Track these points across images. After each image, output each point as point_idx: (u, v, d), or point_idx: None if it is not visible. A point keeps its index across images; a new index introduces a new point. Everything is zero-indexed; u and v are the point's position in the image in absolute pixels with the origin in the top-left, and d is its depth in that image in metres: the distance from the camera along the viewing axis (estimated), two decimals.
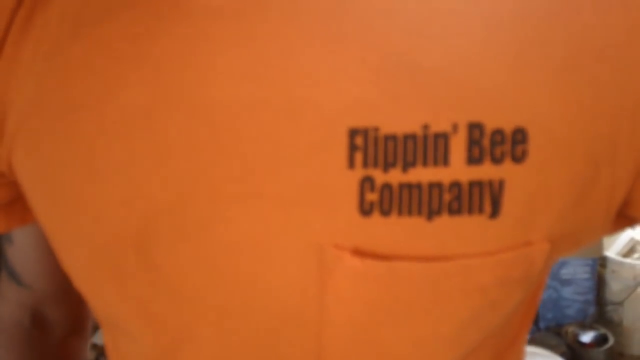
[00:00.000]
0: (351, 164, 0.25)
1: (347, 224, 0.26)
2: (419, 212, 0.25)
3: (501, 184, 0.24)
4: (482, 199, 0.25)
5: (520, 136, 0.24)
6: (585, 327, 1.80)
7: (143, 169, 0.28)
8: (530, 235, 0.27)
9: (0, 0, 0.30)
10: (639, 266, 1.81)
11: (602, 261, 1.86)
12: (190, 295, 0.29)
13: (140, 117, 0.28)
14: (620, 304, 1.85)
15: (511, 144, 0.24)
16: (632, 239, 1.92)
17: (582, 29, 0.25)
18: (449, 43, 0.24)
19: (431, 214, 0.25)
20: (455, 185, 0.24)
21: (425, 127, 0.24)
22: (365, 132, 0.24)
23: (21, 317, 0.49)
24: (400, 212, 0.25)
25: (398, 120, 0.25)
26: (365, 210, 0.25)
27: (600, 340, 1.76)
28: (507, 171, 0.25)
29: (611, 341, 1.77)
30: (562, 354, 1.66)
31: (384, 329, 0.26)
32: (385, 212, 0.25)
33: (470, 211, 0.25)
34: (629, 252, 1.90)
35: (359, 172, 0.25)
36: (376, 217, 0.25)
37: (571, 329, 1.79)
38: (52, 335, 0.51)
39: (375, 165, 0.24)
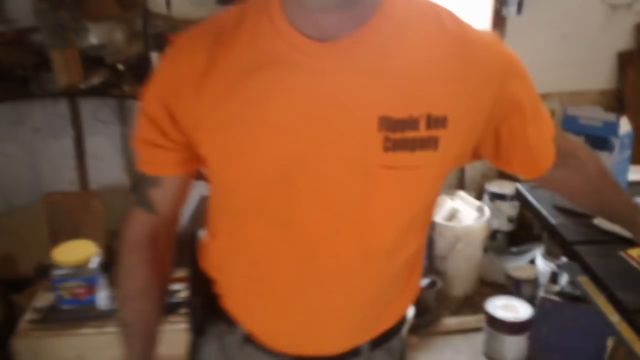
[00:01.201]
0: (379, 130, 0.69)
1: (378, 155, 0.70)
2: (407, 149, 0.70)
3: (438, 137, 0.70)
4: (432, 143, 0.70)
5: (443, 118, 0.70)
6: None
7: (281, 135, 0.71)
8: (448, 157, 0.73)
9: (192, 63, 0.71)
10: (457, 228, 2.41)
11: (432, 225, 2.42)
12: (311, 198, 0.73)
13: (281, 113, 0.70)
14: (444, 257, 2.44)
15: (441, 122, 0.70)
16: (452, 208, 2.53)
17: (463, 66, 0.71)
18: (417, 80, 0.70)
19: (413, 149, 0.70)
20: (421, 138, 0.70)
21: (409, 115, 0.69)
22: (386, 117, 0.68)
23: (146, 232, 0.86)
24: (400, 149, 0.70)
25: (397, 112, 0.69)
26: (386, 148, 0.70)
27: (432, 284, 2.34)
28: (440, 132, 0.71)
29: (439, 285, 2.36)
30: None
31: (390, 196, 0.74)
32: (393, 149, 0.69)
33: (427, 148, 0.71)
34: (450, 217, 2.49)
35: (382, 134, 0.69)
36: (389, 152, 0.70)
37: None
38: (159, 246, 0.86)
39: (388, 131, 0.69)
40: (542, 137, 0.82)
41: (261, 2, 0.73)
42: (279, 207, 0.74)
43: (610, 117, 1.40)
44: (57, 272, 1.79)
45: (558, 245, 1.41)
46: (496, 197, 2.62)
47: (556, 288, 2.13)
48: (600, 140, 1.38)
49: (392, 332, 0.88)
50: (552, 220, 1.38)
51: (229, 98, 0.71)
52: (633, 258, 1.20)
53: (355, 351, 0.85)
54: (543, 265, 2.29)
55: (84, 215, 2.22)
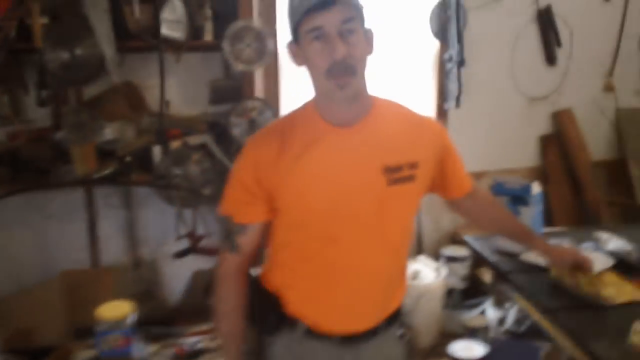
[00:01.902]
0: (383, 174, 1.21)
1: (378, 185, 1.21)
2: (399, 183, 1.22)
3: (414, 175, 1.24)
4: (412, 179, 1.24)
5: (416, 163, 1.25)
6: None
7: (326, 184, 1.20)
8: (421, 186, 1.28)
9: (269, 149, 1.21)
10: (420, 286, 2.83)
11: None
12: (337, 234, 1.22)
13: (324, 171, 1.20)
14: (410, 312, 2.84)
15: (415, 166, 1.24)
16: (415, 270, 2.96)
17: (420, 134, 1.29)
18: (399, 144, 1.24)
19: (402, 183, 1.23)
20: (406, 176, 1.23)
21: (398, 164, 1.23)
22: (386, 166, 1.21)
23: (234, 268, 1.26)
24: (395, 184, 1.22)
25: (391, 163, 1.22)
26: (388, 184, 1.21)
27: (401, 336, 2.72)
28: (415, 171, 1.25)
29: (407, 337, 2.74)
30: None
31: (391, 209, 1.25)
32: (392, 184, 1.22)
33: (410, 182, 1.24)
34: (413, 277, 2.91)
35: (385, 176, 1.22)
36: (390, 186, 1.22)
37: None
38: (242, 278, 1.26)
39: (387, 174, 1.21)
40: (462, 170, 1.43)
41: (304, 110, 1.24)
42: (330, 230, 1.20)
43: (525, 182, 1.94)
44: (100, 327, 2.11)
45: (497, 275, 1.92)
46: (451, 259, 3.08)
47: (503, 329, 2.57)
48: (519, 198, 1.92)
49: (396, 314, 1.34)
50: (491, 258, 1.88)
51: (294, 166, 1.18)
52: (549, 277, 1.70)
53: (378, 327, 1.29)
54: (492, 313, 2.73)
55: (96, 289, 2.53)
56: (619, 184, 3.37)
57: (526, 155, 3.33)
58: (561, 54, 3.24)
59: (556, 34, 3.21)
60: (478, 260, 3.09)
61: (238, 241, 1.24)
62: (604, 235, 2.00)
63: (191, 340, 2.25)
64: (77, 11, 2.35)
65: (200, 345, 2.24)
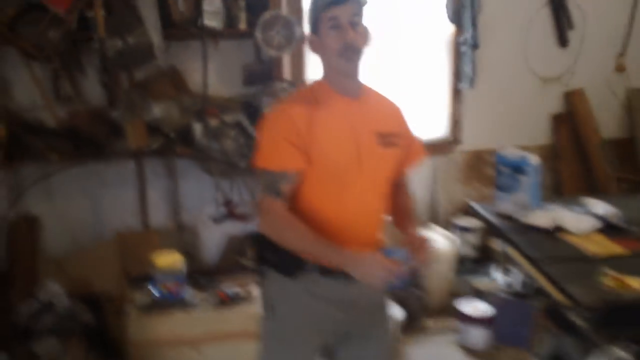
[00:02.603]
0: (377, 138, 1.61)
1: (375, 145, 1.61)
2: (387, 146, 1.62)
3: (396, 142, 1.65)
4: (395, 143, 1.65)
5: (398, 133, 1.66)
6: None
7: (339, 139, 1.57)
8: (400, 151, 1.68)
9: (301, 112, 1.55)
10: (432, 252, 3.13)
11: None
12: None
13: (337, 130, 1.58)
14: (424, 275, 3.14)
15: (397, 135, 1.65)
16: (429, 238, 3.25)
17: (396, 111, 1.72)
18: (385, 117, 1.67)
19: (389, 146, 1.63)
20: (391, 141, 1.63)
21: (386, 131, 1.63)
22: (379, 132, 1.61)
23: (285, 210, 1.52)
24: (385, 146, 1.62)
25: (382, 130, 1.62)
26: (380, 144, 1.61)
27: (417, 296, 3.03)
28: (397, 139, 1.66)
29: (422, 297, 3.05)
30: None
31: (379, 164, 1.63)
32: (383, 146, 1.61)
33: (394, 146, 1.64)
34: None
35: (378, 140, 1.61)
36: (381, 147, 1.62)
37: None
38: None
39: (380, 138, 1.61)
40: (418, 142, 1.78)
41: (318, 85, 1.60)
42: (345, 178, 1.55)
43: (524, 154, 2.21)
44: (157, 274, 2.51)
45: (496, 233, 2.23)
46: (463, 229, 3.37)
47: (508, 291, 2.86)
48: (519, 168, 2.20)
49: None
50: (493, 220, 2.18)
51: (320, 126, 1.53)
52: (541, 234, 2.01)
53: None
54: (499, 278, 3.02)
55: (145, 248, 2.91)
56: (628, 162, 3.60)
57: (538, 133, 3.58)
58: (573, 36, 3.47)
59: (568, 16, 3.44)
60: (489, 231, 3.38)
61: (282, 188, 1.51)
62: (593, 201, 2.27)
63: (232, 289, 2.61)
64: (129, 4, 2.70)
65: (240, 293, 2.61)
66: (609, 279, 1.75)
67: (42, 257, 3.02)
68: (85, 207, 3.09)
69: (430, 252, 1.58)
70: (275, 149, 1.53)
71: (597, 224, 2.14)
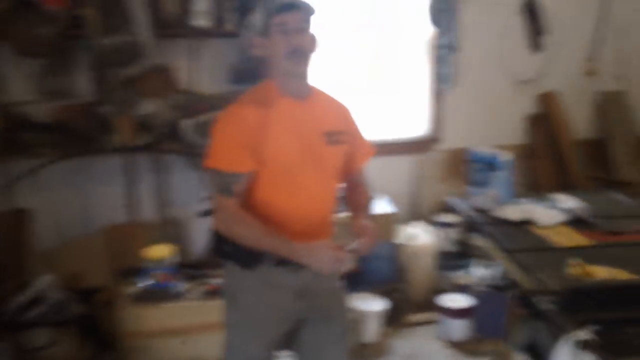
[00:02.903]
0: (325, 136, 1.74)
1: (322, 144, 1.73)
2: (334, 144, 1.75)
3: (342, 139, 1.77)
4: (340, 141, 1.77)
5: (343, 131, 1.78)
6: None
7: (289, 139, 1.69)
8: (344, 148, 1.80)
9: (251, 114, 1.66)
10: (415, 246, 3.26)
11: (396, 245, 3.26)
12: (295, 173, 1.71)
13: (286, 131, 1.69)
14: (406, 269, 3.28)
15: (343, 133, 1.78)
16: (411, 233, 3.39)
17: (343, 111, 1.84)
18: (332, 117, 1.79)
19: (335, 144, 1.76)
20: (337, 139, 1.76)
21: (333, 130, 1.75)
22: (325, 131, 1.73)
23: (237, 207, 1.63)
24: (331, 144, 1.75)
25: (330, 129, 1.75)
26: (327, 144, 1.73)
27: (400, 290, 3.16)
28: (342, 137, 1.79)
29: (404, 290, 3.18)
30: None
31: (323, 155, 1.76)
32: (330, 144, 1.74)
33: (339, 143, 1.77)
34: (409, 240, 3.35)
35: (326, 138, 1.74)
36: (328, 145, 1.74)
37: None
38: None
39: (327, 137, 1.74)
40: (364, 140, 1.89)
41: (264, 88, 1.69)
42: (294, 173, 1.67)
43: (496, 152, 2.37)
44: (148, 265, 2.62)
45: (472, 225, 2.37)
46: (443, 225, 3.51)
47: (486, 284, 3.00)
48: (490, 163, 2.34)
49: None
50: (469, 214, 2.32)
51: (268, 128, 1.63)
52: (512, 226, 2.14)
53: None
54: (477, 272, 3.16)
55: (133, 241, 3.00)
56: (599, 161, 3.78)
57: (514, 133, 3.74)
58: (546, 40, 3.64)
59: (541, 23, 3.60)
60: (467, 226, 3.53)
61: (233, 188, 1.62)
62: (560, 197, 2.43)
63: (219, 280, 2.71)
64: (119, 3, 2.79)
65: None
66: (574, 267, 1.90)
67: (31, 250, 3.10)
68: (74, 201, 3.17)
69: (374, 237, 1.71)
70: (227, 150, 1.63)
71: (564, 217, 2.30)
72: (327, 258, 1.55)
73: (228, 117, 1.68)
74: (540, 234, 2.22)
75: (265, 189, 1.68)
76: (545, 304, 1.79)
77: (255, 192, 1.68)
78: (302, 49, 1.63)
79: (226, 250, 1.73)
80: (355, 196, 1.88)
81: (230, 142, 1.62)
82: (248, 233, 1.63)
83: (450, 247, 3.53)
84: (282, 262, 1.66)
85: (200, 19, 2.88)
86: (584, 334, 1.57)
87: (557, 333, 1.68)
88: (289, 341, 1.82)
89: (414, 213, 3.63)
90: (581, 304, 1.69)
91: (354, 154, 1.84)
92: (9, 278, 2.96)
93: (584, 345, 1.56)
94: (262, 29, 1.65)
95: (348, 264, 1.59)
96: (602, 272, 1.86)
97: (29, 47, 2.79)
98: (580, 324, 1.62)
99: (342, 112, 1.82)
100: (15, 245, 3.07)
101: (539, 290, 1.80)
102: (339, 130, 1.75)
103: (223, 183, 1.63)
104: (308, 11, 1.65)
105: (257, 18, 1.68)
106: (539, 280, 1.90)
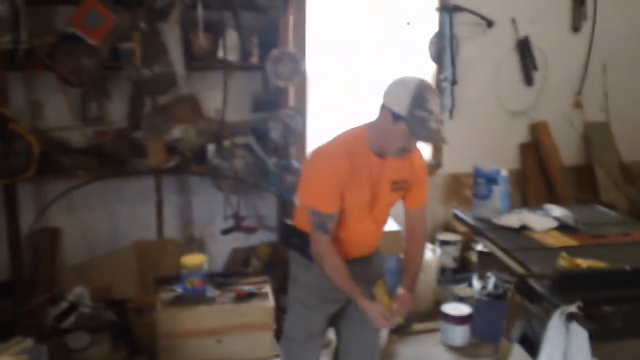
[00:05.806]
0: (390, 184, 2.20)
1: (387, 191, 2.21)
2: (396, 190, 2.22)
3: (404, 186, 2.24)
4: (402, 189, 2.24)
5: (406, 180, 2.23)
6: None
7: (370, 187, 2.17)
8: (404, 193, 2.28)
9: (345, 163, 2.09)
10: None
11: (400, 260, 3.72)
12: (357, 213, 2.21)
13: (368, 180, 2.16)
14: None
15: (406, 182, 2.23)
16: None
17: (408, 164, 2.24)
18: (399, 168, 2.21)
19: (397, 190, 2.23)
20: (400, 187, 2.22)
21: (397, 179, 2.21)
22: (392, 181, 2.19)
23: (329, 244, 2.12)
24: (394, 190, 2.22)
25: (395, 178, 2.20)
26: (391, 190, 2.21)
27: None
28: (405, 185, 2.25)
29: None
30: None
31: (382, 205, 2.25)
32: (393, 190, 2.21)
33: (400, 190, 2.24)
34: None
35: (390, 185, 2.20)
36: (392, 191, 2.22)
37: None
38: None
39: (392, 184, 2.20)
40: (423, 193, 2.29)
41: (357, 139, 2.11)
42: (361, 214, 2.15)
43: (496, 168, 2.88)
44: (184, 271, 3.03)
45: (474, 232, 2.87)
46: (444, 243, 4.00)
47: (485, 294, 3.48)
48: (491, 179, 2.85)
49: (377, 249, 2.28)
50: (472, 222, 2.83)
51: (355, 178, 2.08)
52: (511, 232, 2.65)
53: (370, 254, 2.25)
54: (476, 284, 3.64)
55: (162, 256, 3.44)
56: (586, 186, 4.32)
57: (508, 159, 4.27)
58: (537, 76, 4.22)
59: (533, 59, 4.20)
60: (466, 244, 4.02)
61: (329, 227, 2.08)
62: (552, 207, 2.95)
63: (247, 286, 3.16)
64: (157, 38, 3.30)
65: (254, 290, 3.15)
66: (563, 260, 2.39)
67: (62, 265, 3.52)
68: (103, 220, 3.61)
69: (410, 306, 2.19)
70: (326, 194, 2.06)
71: (554, 223, 2.81)
72: (380, 320, 2.10)
73: (325, 162, 2.08)
74: (534, 237, 2.72)
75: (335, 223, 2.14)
76: (540, 286, 2.25)
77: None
78: (411, 152, 2.06)
79: (294, 242, 2.24)
80: (411, 248, 2.30)
81: (329, 187, 2.05)
82: (333, 272, 2.11)
83: (451, 263, 4.01)
84: None
85: (229, 53, 3.40)
86: (571, 308, 2.04)
87: (549, 309, 2.14)
88: (335, 318, 2.30)
89: None
90: (569, 286, 2.15)
91: (408, 194, 2.22)
92: (45, 290, 3.37)
93: (571, 316, 2.02)
94: (397, 114, 1.97)
95: (394, 322, 2.17)
96: (587, 264, 2.35)
97: (74, 76, 3.27)
98: (569, 302, 2.08)
99: (410, 162, 2.16)
100: (50, 261, 3.49)
101: (535, 274, 2.28)
102: (403, 179, 2.16)
103: (320, 221, 2.07)
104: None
105: None
106: (533, 269, 2.38)
